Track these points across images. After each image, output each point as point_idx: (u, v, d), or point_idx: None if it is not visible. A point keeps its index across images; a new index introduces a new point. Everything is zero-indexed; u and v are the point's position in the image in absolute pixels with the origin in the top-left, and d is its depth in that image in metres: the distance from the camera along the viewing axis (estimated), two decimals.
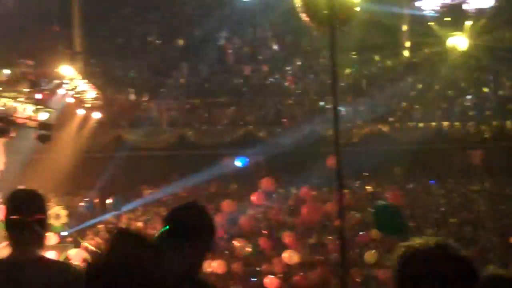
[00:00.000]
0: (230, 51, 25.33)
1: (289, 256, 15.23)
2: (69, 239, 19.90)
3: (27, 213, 3.08)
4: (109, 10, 25.39)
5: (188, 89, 24.36)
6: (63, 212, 20.51)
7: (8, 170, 18.68)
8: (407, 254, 2.06)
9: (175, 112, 24.03)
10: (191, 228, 2.86)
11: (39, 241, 3.14)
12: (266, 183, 17.72)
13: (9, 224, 3.11)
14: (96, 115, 21.90)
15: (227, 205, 17.97)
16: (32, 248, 3.09)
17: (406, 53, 23.97)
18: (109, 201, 20.15)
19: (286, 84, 24.25)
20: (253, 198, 17.88)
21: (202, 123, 23.59)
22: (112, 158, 21.24)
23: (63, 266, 3.23)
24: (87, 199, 22.08)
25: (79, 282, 2.72)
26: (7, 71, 17.35)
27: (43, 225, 3.16)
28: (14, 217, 3.08)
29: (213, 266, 15.46)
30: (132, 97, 23.81)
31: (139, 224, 19.60)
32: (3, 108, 15.62)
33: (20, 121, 15.79)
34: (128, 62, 24.46)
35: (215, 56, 24.98)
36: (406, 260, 2.05)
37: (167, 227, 2.82)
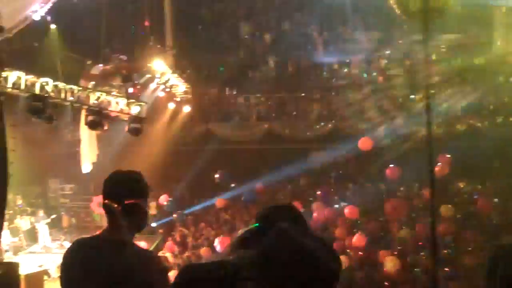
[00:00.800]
0: (318, 45, 24.84)
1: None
2: (160, 230, 20.31)
3: (119, 196, 3.10)
4: (200, 5, 25.58)
5: (276, 83, 24.10)
6: (152, 204, 20.93)
7: (100, 162, 19.26)
8: (500, 253, 1.97)
9: (264, 106, 23.85)
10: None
11: (130, 226, 3.13)
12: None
13: (104, 207, 3.16)
14: (186, 109, 22.12)
15: (316, 207, 17.88)
16: (121, 228, 3.10)
17: (500, 46, 22.57)
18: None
19: (376, 78, 23.45)
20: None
21: (291, 117, 23.27)
22: (201, 151, 21.32)
23: (150, 256, 3.17)
24: (176, 191, 22.49)
25: (162, 274, 2.96)
26: (101, 66, 17.80)
27: (136, 210, 3.13)
28: (107, 201, 3.11)
29: None
30: (222, 91, 23.82)
31: (227, 216, 19.66)
32: (97, 102, 16.00)
33: (113, 114, 16.19)
34: (218, 57, 24.51)
35: (304, 50, 24.60)
36: (500, 259, 1.96)
37: (257, 224, 2.67)
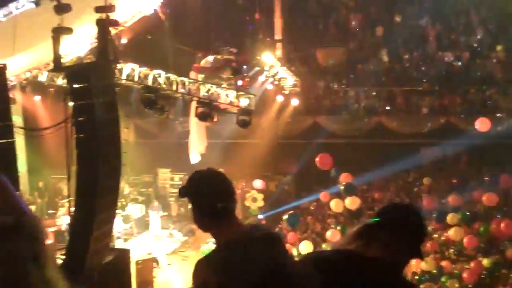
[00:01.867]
0: (431, 38, 23.59)
1: None
2: (264, 222, 20.04)
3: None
4: None
5: (386, 76, 23.14)
6: (259, 196, 20.71)
7: (208, 153, 19.29)
8: None
9: (373, 99, 22.96)
10: (400, 225, 2.82)
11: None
12: None
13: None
14: (294, 102, 21.73)
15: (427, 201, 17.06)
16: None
17: None
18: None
19: (491, 71, 21.92)
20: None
21: (401, 112, 22.26)
22: (308, 144, 20.88)
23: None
24: (284, 183, 22.22)
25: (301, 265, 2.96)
26: (211, 59, 17.73)
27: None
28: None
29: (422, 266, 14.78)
30: (330, 84, 23.19)
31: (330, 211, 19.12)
32: (207, 94, 15.92)
33: (222, 106, 16.05)
34: (327, 50, 23.90)
35: (416, 43, 23.49)
36: None
37: (377, 219, 2.82)
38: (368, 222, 2.84)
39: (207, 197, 2.92)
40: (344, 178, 18.43)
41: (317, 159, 18.70)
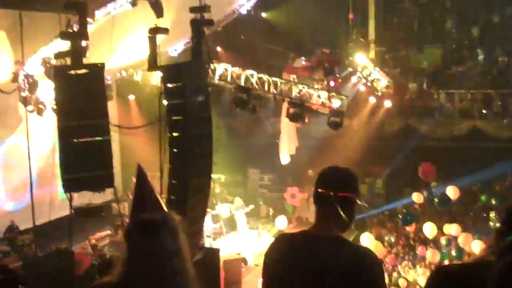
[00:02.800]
0: None
1: None
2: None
3: (333, 188, 3.03)
4: None
5: (482, 78, 21.94)
6: None
7: (298, 154, 18.99)
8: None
9: (468, 102, 21.82)
10: None
11: (339, 219, 3.03)
12: None
13: (315, 197, 3.11)
14: (387, 104, 21.05)
15: None
16: (331, 224, 3.03)
17: None
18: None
19: None
20: None
21: (497, 115, 21.05)
22: (400, 147, 20.18)
23: (361, 249, 3.09)
24: (373, 187, 21.61)
25: (376, 268, 2.88)
26: (303, 59, 17.48)
27: (347, 203, 3.03)
28: (320, 190, 3.05)
29: None
30: (424, 86, 22.28)
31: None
32: (299, 95, 15.67)
33: (314, 107, 15.77)
34: (421, 51, 23.01)
35: None
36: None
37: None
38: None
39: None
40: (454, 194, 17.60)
41: (420, 169, 18.13)
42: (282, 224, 19.40)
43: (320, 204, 3.08)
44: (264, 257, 3.15)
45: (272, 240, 3.26)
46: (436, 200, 17.85)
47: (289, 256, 2.98)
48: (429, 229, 16.46)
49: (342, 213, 3.03)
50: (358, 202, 3.09)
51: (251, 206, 21.32)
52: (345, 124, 16.18)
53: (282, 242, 3.13)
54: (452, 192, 17.49)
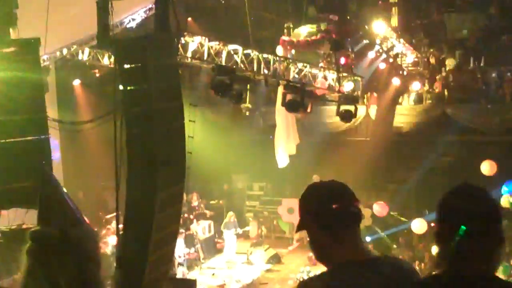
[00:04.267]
0: None
1: None
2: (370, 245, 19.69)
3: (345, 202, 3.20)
4: None
5: None
6: (366, 212, 20.32)
7: (299, 155, 19.10)
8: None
9: None
10: None
11: None
12: None
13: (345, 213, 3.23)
14: (415, 86, 21.25)
15: None
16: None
17: None
18: None
19: None
20: None
21: None
22: (433, 143, 20.36)
23: (405, 265, 3.40)
24: (398, 196, 21.78)
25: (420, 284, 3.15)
26: (304, 29, 17.61)
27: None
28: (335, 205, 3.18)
29: None
30: (464, 62, 22.53)
31: None
32: (298, 76, 15.78)
33: (318, 92, 15.90)
34: (460, 16, 23.25)
35: None
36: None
37: None
38: None
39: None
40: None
41: (483, 168, 18.35)
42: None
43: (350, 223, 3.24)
44: None
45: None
46: None
47: None
48: None
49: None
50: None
51: (250, 227, 21.54)
52: (360, 114, 16.30)
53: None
54: None
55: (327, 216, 3.16)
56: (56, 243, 2.36)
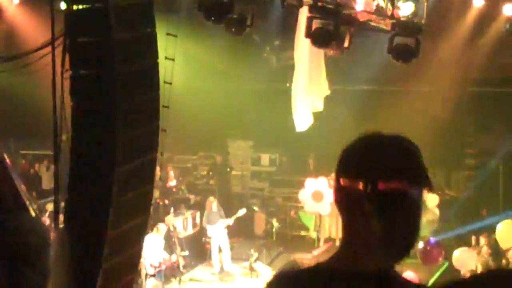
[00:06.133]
0: None
1: None
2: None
3: (378, 178, 3.08)
4: None
5: None
6: (432, 199, 20.33)
7: (329, 113, 19.05)
8: None
9: None
10: None
11: (393, 241, 3.15)
12: None
13: (336, 197, 3.20)
14: (508, 10, 21.10)
15: None
16: (372, 248, 3.13)
17: None
18: None
19: None
20: None
21: None
22: None
23: None
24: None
25: None
26: None
27: (408, 207, 3.13)
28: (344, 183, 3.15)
29: None
30: None
31: None
32: None
33: (360, 17, 15.77)
34: None
35: None
36: None
37: None
38: None
39: None
40: None
41: None
42: None
43: (347, 211, 3.18)
44: None
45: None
46: None
47: None
48: None
49: (394, 225, 3.10)
50: (421, 203, 3.15)
51: (242, 211, 21.42)
52: (424, 50, 16.20)
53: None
54: None
55: None
56: None
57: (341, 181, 3.10)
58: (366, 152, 3.15)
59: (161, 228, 19.27)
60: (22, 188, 2.66)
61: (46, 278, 2.43)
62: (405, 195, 3.08)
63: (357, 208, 3.05)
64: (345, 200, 3.12)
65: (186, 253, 20.40)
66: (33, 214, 2.59)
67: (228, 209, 21.29)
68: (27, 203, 2.55)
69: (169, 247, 19.94)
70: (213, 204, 20.94)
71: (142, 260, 16.33)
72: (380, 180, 3.05)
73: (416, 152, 3.19)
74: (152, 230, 18.36)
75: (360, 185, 3.04)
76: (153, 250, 18.42)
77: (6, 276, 2.37)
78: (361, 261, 3.09)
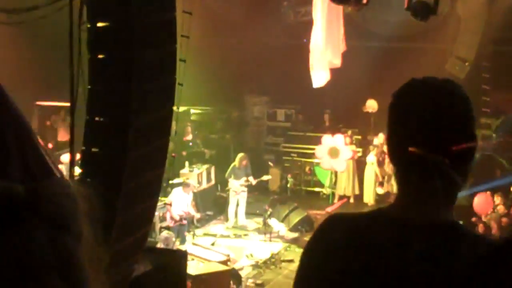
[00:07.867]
0: None
1: None
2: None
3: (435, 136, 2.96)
4: None
5: None
6: None
7: (346, 69, 18.97)
8: None
9: None
10: None
11: (447, 193, 3.04)
12: None
13: (393, 155, 3.12)
14: None
15: None
16: (435, 200, 3.00)
17: None
18: None
19: None
20: None
21: None
22: None
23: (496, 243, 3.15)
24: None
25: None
26: None
27: (467, 161, 3.05)
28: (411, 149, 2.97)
29: None
30: None
31: None
32: None
33: None
34: None
35: None
36: None
37: None
38: None
39: None
40: None
41: None
42: None
43: (412, 169, 3.03)
44: (304, 259, 3.17)
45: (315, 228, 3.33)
46: None
47: (360, 257, 2.99)
48: None
49: (451, 180, 3.00)
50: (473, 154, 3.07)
51: (267, 177, 21.45)
52: (441, 8, 16.10)
53: (341, 231, 3.13)
54: None
55: None
56: (20, 206, 1.93)
57: (400, 137, 2.98)
58: (428, 105, 2.95)
59: (190, 183, 19.30)
60: (45, 150, 2.56)
61: (80, 240, 2.40)
62: (473, 152, 3.01)
63: (420, 167, 2.94)
64: (404, 158, 2.98)
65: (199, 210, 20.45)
66: (58, 175, 2.47)
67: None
68: (52, 166, 2.40)
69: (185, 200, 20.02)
70: (244, 161, 20.91)
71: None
72: (447, 143, 2.93)
73: (466, 99, 3.02)
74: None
75: (427, 149, 2.91)
76: (178, 204, 18.49)
77: (51, 247, 1.98)
78: (421, 210, 3.02)
